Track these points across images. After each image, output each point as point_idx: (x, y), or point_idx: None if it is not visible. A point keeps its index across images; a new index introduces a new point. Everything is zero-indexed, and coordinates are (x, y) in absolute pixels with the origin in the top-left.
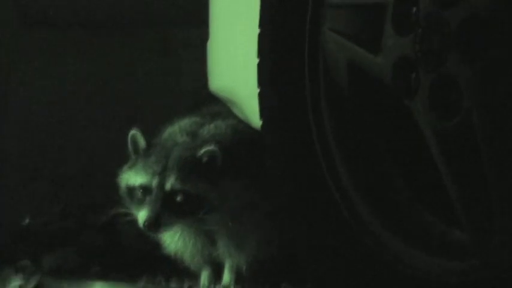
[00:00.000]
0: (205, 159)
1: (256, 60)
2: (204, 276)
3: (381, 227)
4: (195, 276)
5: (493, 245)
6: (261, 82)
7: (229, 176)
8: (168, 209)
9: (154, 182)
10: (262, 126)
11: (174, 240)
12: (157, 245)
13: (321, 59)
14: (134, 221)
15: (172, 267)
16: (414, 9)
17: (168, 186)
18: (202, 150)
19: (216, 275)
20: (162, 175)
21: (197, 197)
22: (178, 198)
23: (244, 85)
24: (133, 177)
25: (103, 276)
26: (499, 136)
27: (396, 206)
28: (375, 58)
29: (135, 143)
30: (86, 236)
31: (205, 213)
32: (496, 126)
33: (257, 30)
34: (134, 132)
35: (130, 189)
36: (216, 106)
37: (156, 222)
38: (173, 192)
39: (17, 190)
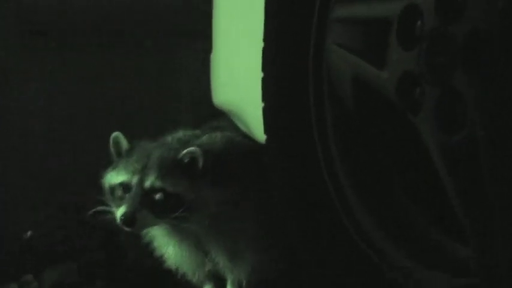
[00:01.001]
0: (186, 160)
1: (261, 75)
2: None
3: (385, 241)
4: None
5: (496, 262)
6: (265, 97)
7: (211, 180)
8: (146, 206)
9: (134, 180)
10: (267, 141)
11: (173, 253)
12: (160, 260)
13: (326, 73)
14: (137, 236)
15: (175, 282)
16: (419, 23)
17: (147, 183)
18: (184, 151)
19: None
20: (142, 173)
21: (176, 196)
22: (157, 196)
23: (248, 99)
24: (114, 177)
25: None
26: (503, 152)
27: (401, 221)
28: (379, 72)
29: (117, 144)
30: (88, 250)
31: (183, 212)
32: (500, 141)
33: (261, 44)
34: (116, 134)
35: (112, 188)
36: (220, 120)
37: (132, 218)
38: (152, 190)
39: (18, 203)
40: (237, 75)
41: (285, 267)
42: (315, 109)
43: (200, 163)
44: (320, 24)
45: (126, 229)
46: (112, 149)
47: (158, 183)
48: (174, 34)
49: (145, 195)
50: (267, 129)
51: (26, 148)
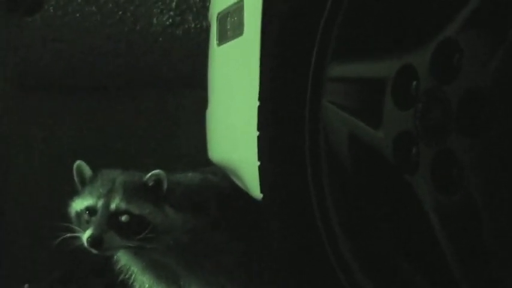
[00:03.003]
0: (151, 183)
1: (256, 133)
2: None
3: None
4: None
5: None
6: (261, 156)
7: (178, 206)
8: (113, 229)
9: (100, 203)
10: (263, 199)
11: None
12: None
13: (322, 132)
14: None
15: None
16: (414, 83)
17: (112, 206)
18: (148, 174)
19: None
20: (108, 196)
21: (141, 218)
22: (123, 218)
23: (244, 157)
24: (80, 203)
25: None
26: (500, 214)
27: (398, 282)
28: (375, 132)
29: (81, 173)
30: None
31: (149, 234)
32: (497, 203)
33: (257, 103)
34: (79, 162)
35: (78, 214)
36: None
37: (99, 240)
38: (118, 212)
39: (18, 256)
40: (233, 132)
41: None
42: (312, 167)
43: (164, 185)
44: (315, 83)
45: (94, 251)
46: (76, 178)
47: (123, 205)
48: (171, 86)
49: (111, 217)
50: (263, 188)
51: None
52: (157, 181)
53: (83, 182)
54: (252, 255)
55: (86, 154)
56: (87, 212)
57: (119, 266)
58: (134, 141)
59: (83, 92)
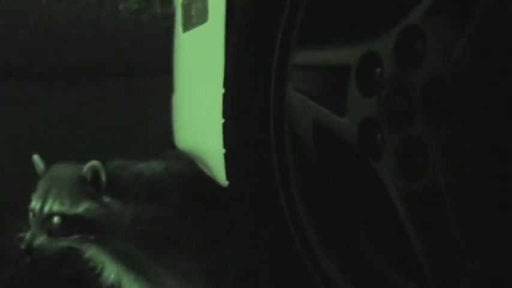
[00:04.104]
0: (89, 176)
1: (221, 121)
2: None
3: (346, 283)
4: None
5: None
6: (226, 143)
7: (123, 196)
8: (45, 232)
9: (38, 205)
10: (229, 186)
11: (127, 284)
12: None
13: (287, 118)
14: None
15: None
16: (378, 70)
17: (46, 209)
18: (85, 167)
19: None
20: (43, 198)
21: (75, 217)
22: (55, 220)
23: (209, 144)
24: (31, 201)
25: None
26: (465, 199)
27: (367, 267)
28: (340, 119)
29: (37, 166)
30: None
31: (82, 232)
32: (462, 189)
33: (221, 90)
34: (34, 156)
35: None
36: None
37: (29, 246)
38: (51, 214)
39: None
40: (199, 119)
41: None
42: (277, 154)
43: (103, 177)
44: (280, 70)
45: (28, 257)
46: (37, 171)
47: (56, 207)
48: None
49: (45, 220)
50: (229, 174)
51: None
52: (95, 173)
53: (39, 177)
54: (215, 241)
55: (48, 144)
56: (32, 213)
57: (86, 255)
58: (100, 129)
59: (48, 79)
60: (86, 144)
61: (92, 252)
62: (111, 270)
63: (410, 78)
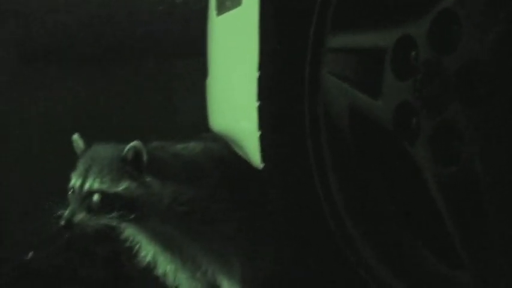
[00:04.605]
0: (130, 156)
1: (256, 104)
2: None
3: (382, 269)
4: None
5: None
6: (261, 126)
7: (162, 177)
8: (85, 209)
9: (78, 183)
10: (264, 169)
11: (170, 271)
12: (162, 282)
13: (322, 102)
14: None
15: None
16: (413, 54)
17: (86, 186)
18: (126, 148)
19: None
20: (84, 176)
21: (115, 195)
22: (95, 198)
23: (244, 127)
24: (70, 180)
25: None
26: (500, 184)
27: (399, 248)
28: (375, 102)
29: (76, 146)
30: (89, 269)
31: (121, 211)
32: (497, 174)
33: (256, 73)
34: (74, 136)
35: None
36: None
37: (69, 223)
38: (91, 192)
39: (20, 223)
40: (233, 102)
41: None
42: (312, 138)
43: (144, 157)
44: (315, 53)
45: (67, 233)
46: (76, 150)
47: (96, 185)
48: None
49: (85, 197)
50: (264, 157)
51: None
52: (136, 153)
53: (79, 156)
54: (253, 222)
55: (84, 126)
56: (71, 191)
57: (124, 235)
58: (134, 112)
59: (81, 63)
60: (122, 126)
61: (129, 231)
62: (147, 250)
63: (445, 62)
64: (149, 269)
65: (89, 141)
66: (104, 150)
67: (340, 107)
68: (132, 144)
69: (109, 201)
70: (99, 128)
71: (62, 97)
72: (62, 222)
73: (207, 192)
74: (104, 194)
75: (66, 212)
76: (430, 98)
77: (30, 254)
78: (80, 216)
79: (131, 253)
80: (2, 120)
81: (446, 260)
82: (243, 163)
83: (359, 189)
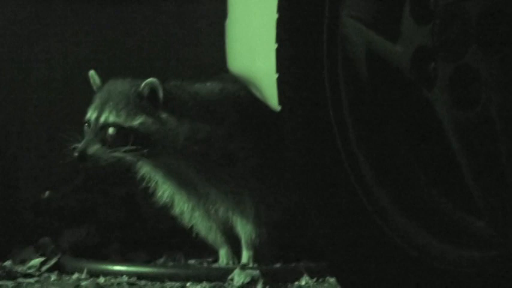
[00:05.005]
0: (146, 92)
1: (275, 45)
2: (223, 254)
3: (398, 215)
4: (215, 253)
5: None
6: (279, 68)
7: (178, 114)
8: (100, 142)
9: (93, 116)
10: (281, 111)
11: (186, 211)
12: (177, 221)
13: (340, 45)
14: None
15: (193, 243)
16: None
17: (102, 119)
18: (143, 83)
19: (235, 252)
20: (101, 109)
21: (130, 129)
22: (110, 131)
23: (262, 69)
24: (86, 114)
25: (122, 254)
26: None
27: (417, 196)
28: (393, 46)
29: (93, 81)
30: (105, 210)
31: (136, 144)
32: None
33: (275, 15)
34: (91, 72)
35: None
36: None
37: (83, 154)
38: (106, 125)
39: (37, 163)
40: (252, 43)
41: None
42: (330, 81)
43: (160, 94)
44: None
45: (80, 164)
46: (93, 86)
47: (112, 118)
48: None
49: (100, 130)
50: (281, 100)
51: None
52: (152, 90)
53: (95, 91)
54: (268, 165)
55: (103, 64)
56: (86, 124)
57: (140, 175)
58: (153, 51)
59: (104, 2)
60: (141, 65)
61: (145, 170)
62: (164, 190)
63: (465, 6)
64: (165, 209)
65: (105, 78)
66: (121, 85)
67: (358, 50)
68: (148, 80)
69: (124, 135)
70: (118, 68)
71: (84, 35)
72: (76, 154)
73: (223, 132)
74: (119, 128)
75: (81, 144)
76: (448, 42)
77: (47, 193)
78: (94, 148)
79: (147, 193)
80: (23, 58)
81: (462, 207)
82: (261, 105)
83: (376, 134)
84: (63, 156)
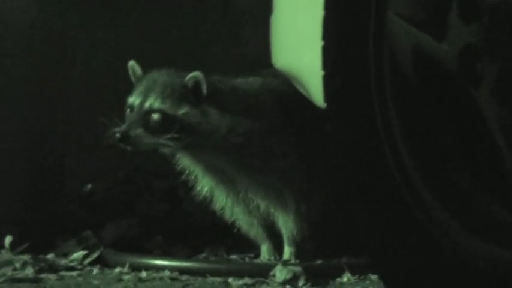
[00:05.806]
0: (190, 85)
1: (321, 43)
2: (264, 250)
3: (445, 215)
4: (257, 248)
5: None
6: (325, 65)
7: (220, 107)
8: (143, 126)
9: (137, 101)
10: (326, 108)
11: (227, 206)
12: (219, 215)
13: (386, 44)
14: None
15: (235, 238)
16: None
17: (147, 104)
18: (188, 76)
19: (277, 248)
20: (145, 95)
21: (174, 118)
22: (155, 117)
23: (308, 66)
24: (128, 100)
25: (164, 248)
26: None
27: (462, 195)
28: (440, 45)
29: (133, 72)
30: (147, 204)
31: (179, 133)
32: None
33: (321, 12)
34: (131, 62)
35: (126, 110)
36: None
37: (126, 136)
38: (151, 111)
39: (80, 156)
40: (297, 40)
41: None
42: (376, 79)
43: (204, 87)
44: None
45: (122, 146)
46: (132, 77)
47: (157, 104)
48: None
49: (145, 115)
50: (327, 97)
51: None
52: (197, 83)
53: (136, 82)
54: (310, 162)
55: (147, 56)
56: (129, 109)
57: (180, 167)
58: (197, 45)
59: None
60: (183, 59)
61: (185, 162)
62: (203, 184)
63: None
64: (206, 204)
65: (147, 69)
66: (167, 75)
67: (404, 49)
68: (193, 73)
69: (167, 123)
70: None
71: (127, 26)
72: (118, 135)
73: (264, 127)
74: (163, 114)
75: (124, 126)
76: (495, 41)
77: (89, 186)
78: (137, 131)
79: (188, 187)
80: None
81: (505, 205)
82: (304, 101)
83: (421, 132)
84: (104, 139)
